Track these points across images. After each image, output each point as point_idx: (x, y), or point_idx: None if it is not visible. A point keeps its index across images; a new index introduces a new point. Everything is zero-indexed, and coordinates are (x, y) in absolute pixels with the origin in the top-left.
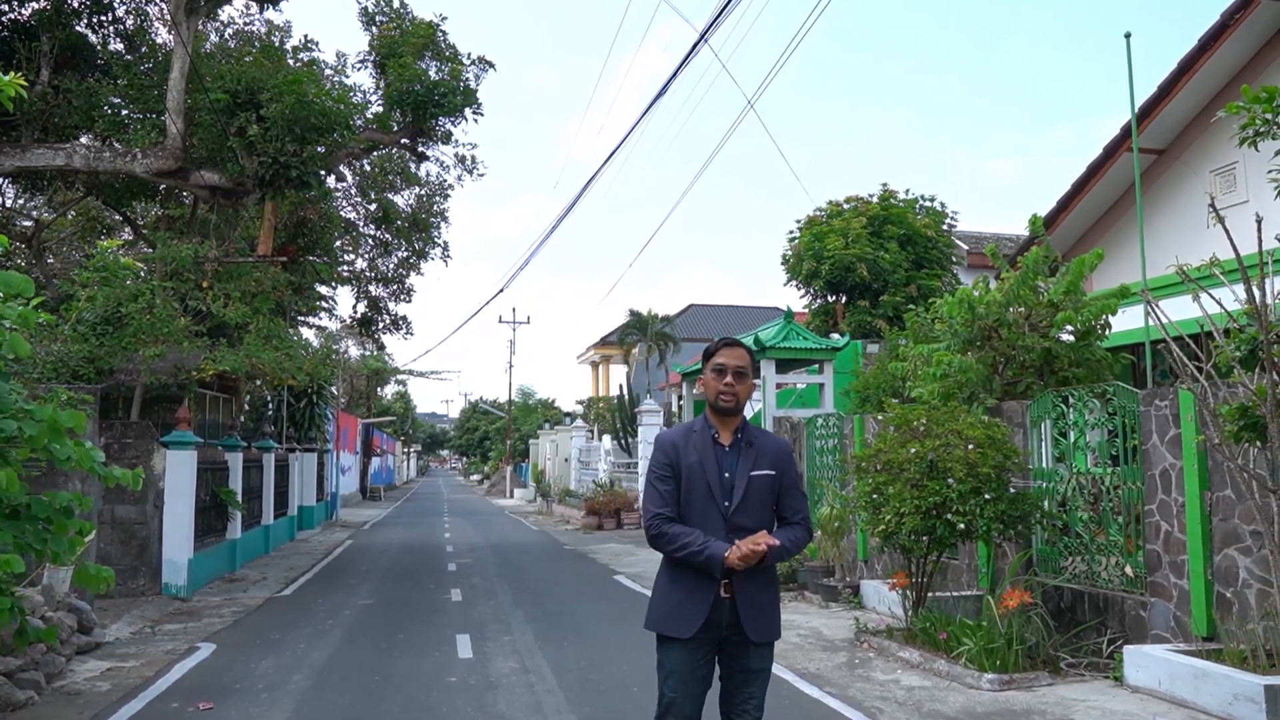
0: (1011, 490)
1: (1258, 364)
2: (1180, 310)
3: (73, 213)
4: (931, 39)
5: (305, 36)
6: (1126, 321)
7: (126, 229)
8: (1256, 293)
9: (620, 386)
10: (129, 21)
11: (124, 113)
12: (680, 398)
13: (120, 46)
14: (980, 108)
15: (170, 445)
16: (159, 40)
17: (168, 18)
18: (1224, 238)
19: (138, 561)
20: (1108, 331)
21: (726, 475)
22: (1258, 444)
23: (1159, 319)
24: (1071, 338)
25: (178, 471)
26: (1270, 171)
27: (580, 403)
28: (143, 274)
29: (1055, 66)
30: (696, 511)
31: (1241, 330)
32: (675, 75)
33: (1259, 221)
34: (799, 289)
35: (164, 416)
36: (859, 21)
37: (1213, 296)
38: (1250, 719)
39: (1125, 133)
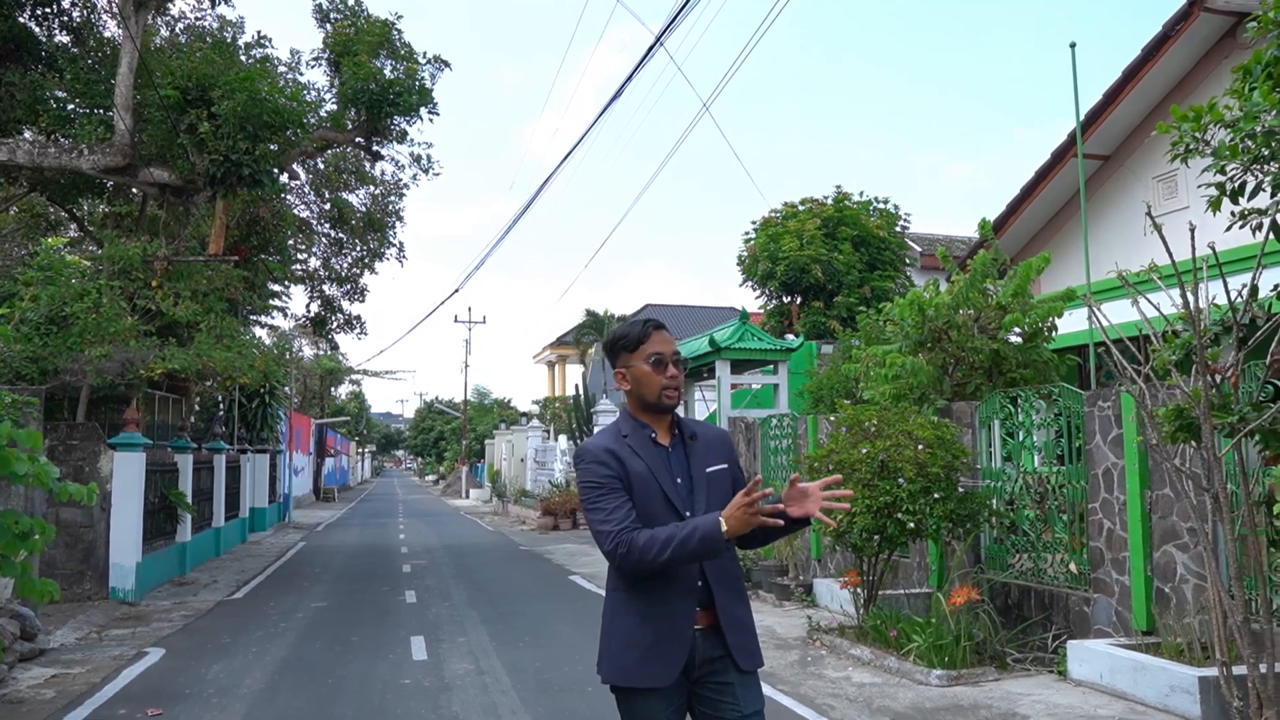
0: (960, 489)
1: (1192, 367)
2: (1122, 314)
3: (15, 209)
4: (903, 39)
5: (258, 33)
6: (1072, 324)
7: (72, 226)
8: (1191, 298)
9: (576, 387)
10: (75, 14)
11: (70, 107)
12: None
13: (66, 39)
14: (947, 109)
15: (118, 447)
16: (107, 34)
17: (116, 11)
18: (1163, 244)
19: (84, 565)
20: (1054, 334)
21: (680, 480)
22: (1193, 444)
23: (1101, 322)
24: (1019, 339)
25: (125, 474)
26: (1200, 185)
27: (536, 403)
28: (89, 272)
29: (1030, 68)
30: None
31: (1177, 335)
32: (630, 78)
33: (1192, 230)
34: (754, 290)
35: (111, 417)
36: (826, 19)
37: (1150, 301)
38: (1185, 709)
39: (1073, 139)
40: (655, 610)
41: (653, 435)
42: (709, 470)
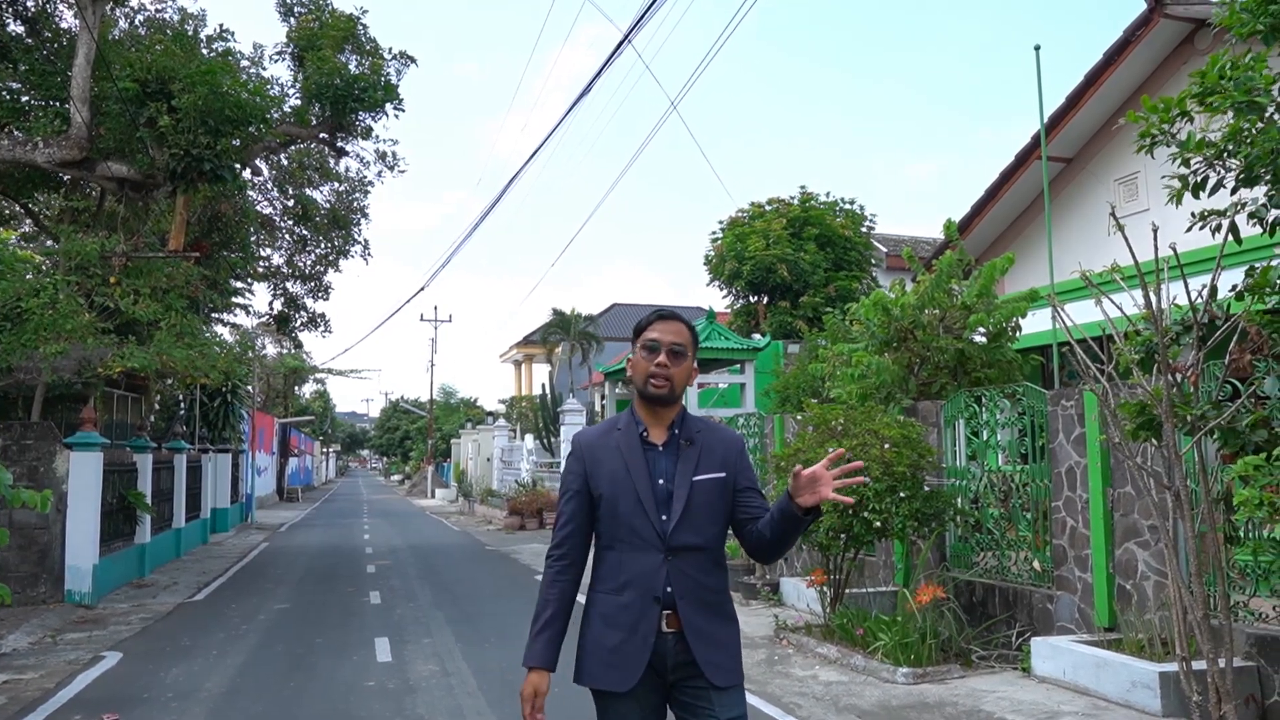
0: (926, 488)
1: (1154, 366)
2: (1085, 314)
3: None
4: (871, 38)
5: (220, 26)
6: (1035, 324)
7: (27, 221)
8: (1153, 298)
9: (543, 386)
10: (30, 3)
11: (24, 99)
12: (603, 397)
13: (20, 29)
14: (916, 111)
15: (74, 447)
16: (64, 25)
17: (73, 1)
18: (1126, 244)
19: (38, 568)
20: (1018, 333)
21: (661, 482)
22: (1154, 442)
23: (1064, 322)
24: (984, 339)
25: (82, 474)
26: (1163, 178)
27: (503, 402)
28: (44, 268)
29: (998, 69)
30: (625, 532)
31: (1139, 334)
32: (598, 75)
33: (1154, 231)
34: (721, 289)
35: (68, 416)
36: (795, 19)
37: (1113, 301)
38: (1146, 704)
39: (1036, 141)
40: (618, 615)
41: (644, 433)
42: (698, 479)
